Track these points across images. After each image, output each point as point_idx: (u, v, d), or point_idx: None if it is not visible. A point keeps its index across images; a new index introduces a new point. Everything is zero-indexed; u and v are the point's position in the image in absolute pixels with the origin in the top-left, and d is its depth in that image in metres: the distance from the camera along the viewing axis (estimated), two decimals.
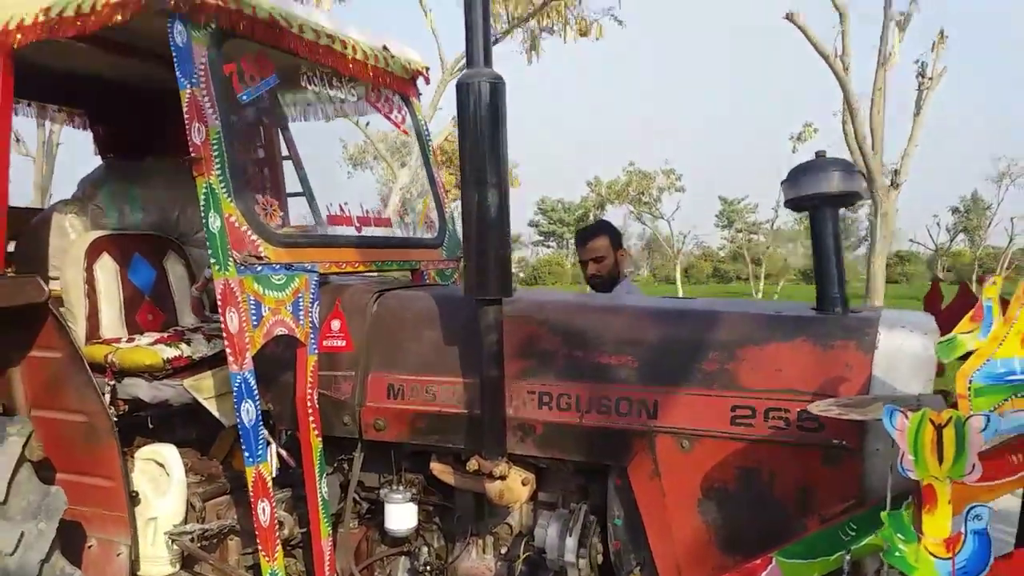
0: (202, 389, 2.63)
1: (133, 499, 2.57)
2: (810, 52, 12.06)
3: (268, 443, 2.41)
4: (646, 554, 2.15)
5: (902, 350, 1.87)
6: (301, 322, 2.41)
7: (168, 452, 2.67)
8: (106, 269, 2.92)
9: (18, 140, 15.05)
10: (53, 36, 2.34)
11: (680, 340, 2.16)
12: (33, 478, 2.35)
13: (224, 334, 2.21)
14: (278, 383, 2.51)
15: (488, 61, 2.08)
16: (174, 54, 2.23)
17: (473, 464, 2.22)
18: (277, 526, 2.38)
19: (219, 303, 2.20)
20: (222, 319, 2.20)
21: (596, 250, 3.73)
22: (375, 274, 3.17)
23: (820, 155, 2.12)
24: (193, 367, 2.75)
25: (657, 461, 2.09)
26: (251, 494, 2.28)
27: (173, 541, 2.57)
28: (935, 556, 1.46)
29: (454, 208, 3.72)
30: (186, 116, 2.23)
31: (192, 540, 2.56)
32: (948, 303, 2.21)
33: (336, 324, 2.52)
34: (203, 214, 2.23)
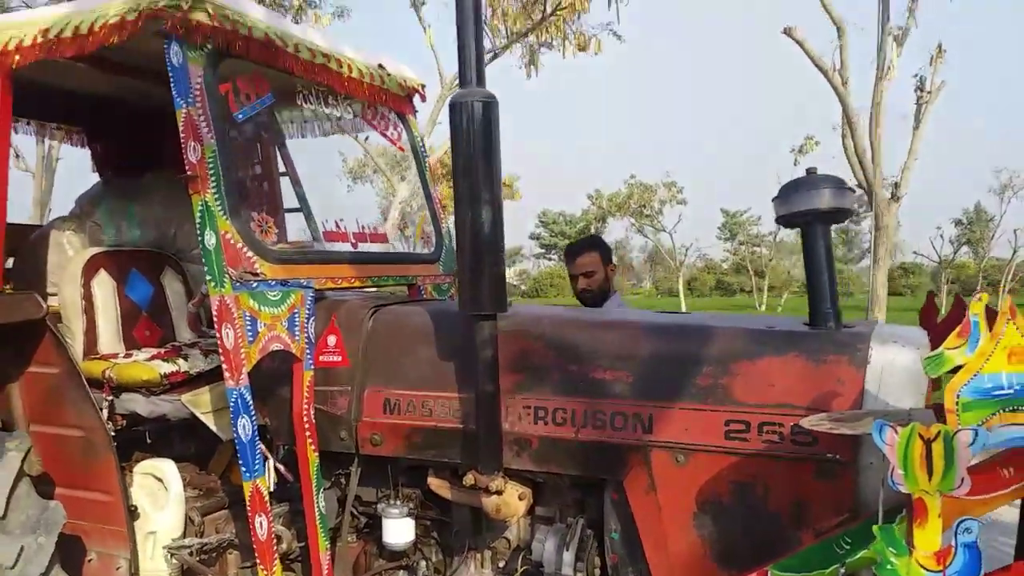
0: (199, 404, 2.64)
1: (132, 513, 2.58)
2: (811, 65, 12.13)
3: (265, 458, 2.43)
4: (643, 567, 2.16)
5: (894, 365, 1.88)
6: (297, 338, 2.43)
7: (166, 467, 2.68)
8: (103, 285, 2.94)
9: (18, 156, 15.15)
10: (51, 56, 2.37)
11: (674, 355, 2.17)
12: (32, 493, 2.36)
13: (220, 350, 2.23)
14: (275, 398, 2.52)
15: (481, 81, 2.10)
16: (170, 74, 2.25)
17: (469, 479, 2.23)
18: (275, 540, 2.39)
19: (215, 319, 2.22)
20: (218, 335, 2.22)
21: (586, 265, 3.74)
22: (372, 289, 3.18)
23: (811, 172, 2.13)
24: (190, 382, 2.77)
25: (653, 475, 2.10)
26: (248, 509, 2.28)
27: (172, 555, 2.58)
28: (926, 569, 1.46)
29: (452, 223, 3.74)
30: (182, 135, 2.25)
31: (191, 554, 2.57)
32: (943, 316, 2.21)
33: (332, 339, 2.54)
34: (199, 232, 2.25)
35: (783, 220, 2.15)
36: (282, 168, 3.60)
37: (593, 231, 49.26)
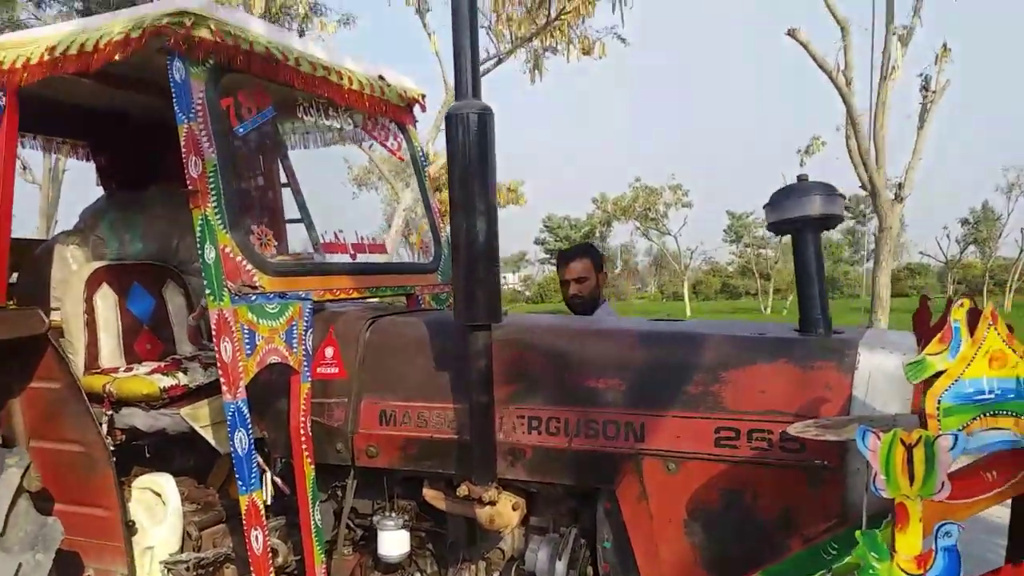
0: (198, 418, 2.67)
1: (130, 528, 2.60)
2: (815, 65, 12.13)
3: (263, 471, 2.45)
4: None
5: (881, 370, 1.90)
6: (295, 350, 2.46)
7: (164, 481, 2.70)
8: (105, 299, 2.98)
9: (25, 168, 15.29)
10: (57, 73, 2.42)
11: (665, 363, 2.19)
12: (31, 509, 2.38)
13: (218, 364, 2.26)
14: (272, 411, 2.55)
15: (477, 93, 2.13)
16: (173, 90, 2.29)
17: (463, 490, 2.24)
18: (271, 554, 2.41)
19: (214, 333, 2.25)
20: (216, 349, 2.25)
21: (578, 271, 3.74)
22: (376, 299, 3.22)
23: (802, 179, 2.15)
24: (190, 395, 2.79)
25: (644, 484, 2.12)
26: (244, 522, 2.31)
27: (169, 570, 2.59)
28: (907, 573, 1.48)
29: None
30: (184, 150, 2.29)
31: (188, 569, 2.58)
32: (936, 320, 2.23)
33: (329, 351, 2.57)
34: (199, 246, 2.28)
35: (774, 227, 2.18)
36: (284, 179, 3.64)
37: (598, 235, 49.27)
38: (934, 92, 12.64)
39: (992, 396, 1.51)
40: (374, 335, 2.58)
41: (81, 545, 2.58)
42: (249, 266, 2.38)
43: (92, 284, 2.95)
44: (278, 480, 2.51)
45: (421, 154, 3.49)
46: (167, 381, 2.73)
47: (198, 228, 2.29)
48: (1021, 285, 44.21)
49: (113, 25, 2.33)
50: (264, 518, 2.36)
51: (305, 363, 2.49)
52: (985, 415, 1.51)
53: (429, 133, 13.12)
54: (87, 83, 2.78)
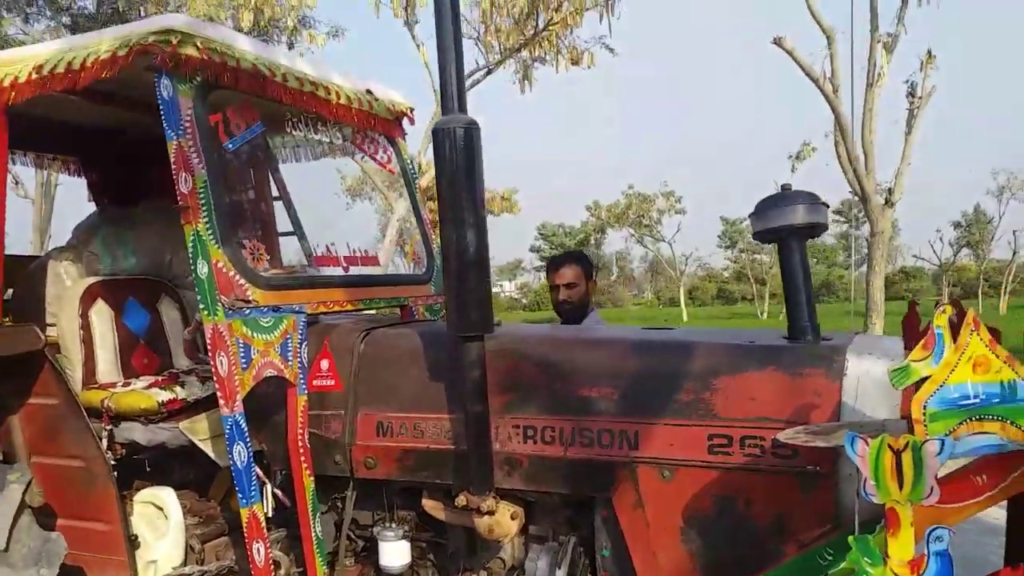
0: (197, 431, 2.68)
1: (132, 543, 2.61)
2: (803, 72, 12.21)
3: (263, 483, 2.47)
4: None
5: (869, 376, 1.93)
6: (290, 363, 2.47)
7: (166, 495, 2.71)
8: (101, 314, 2.99)
9: (17, 183, 15.26)
10: (46, 91, 2.43)
11: (658, 371, 2.21)
12: (33, 525, 2.39)
13: (214, 378, 2.27)
14: (270, 423, 2.56)
15: (463, 107, 2.16)
16: (161, 107, 2.31)
17: (461, 500, 2.26)
18: (273, 566, 2.42)
19: (209, 347, 2.27)
20: (212, 363, 2.26)
21: (568, 276, 3.76)
22: (372, 311, 3.23)
23: (785, 188, 2.19)
24: (188, 409, 2.80)
25: (640, 491, 2.13)
26: (245, 535, 2.32)
27: None
28: None
29: None
30: (173, 167, 2.31)
31: None
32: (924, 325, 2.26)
33: (325, 364, 2.58)
34: (192, 261, 2.30)
35: (759, 236, 2.21)
36: (275, 192, 3.66)
37: (593, 242, 49.40)
38: (920, 98, 12.73)
39: (977, 401, 1.53)
40: (368, 347, 2.60)
41: (85, 560, 2.59)
42: (242, 280, 2.40)
43: (87, 300, 2.96)
44: (278, 492, 2.53)
45: (411, 166, 3.51)
46: (165, 395, 2.74)
47: (190, 244, 2.31)
48: (1016, 287, 44.44)
49: (100, 43, 2.34)
50: (265, 530, 2.38)
51: (301, 376, 2.50)
52: (971, 420, 1.53)
53: (421, 144, 13.17)
54: (76, 100, 2.79)
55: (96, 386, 2.88)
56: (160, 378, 2.95)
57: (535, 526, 2.43)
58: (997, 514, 1.88)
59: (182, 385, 2.85)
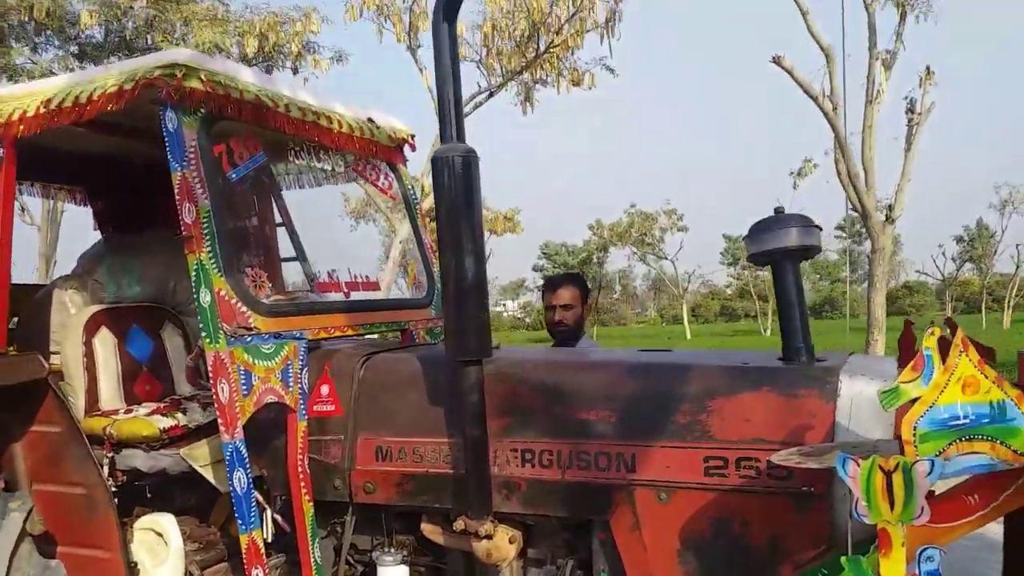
0: (198, 457, 2.69)
1: (132, 570, 2.61)
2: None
3: (262, 509, 2.48)
4: None
5: (862, 397, 1.95)
6: (291, 389, 2.50)
7: (166, 521, 2.72)
8: (104, 342, 3.02)
9: (23, 210, 15.39)
10: (53, 124, 2.48)
11: (653, 393, 2.23)
12: (34, 553, 2.41)
13: (216, 405, 2.30)
14: (270, 449, 2.58)
15: (461, 136, 2.21)
16: (165, 139, 2.36)
17: (460, 524, 2.27)
18: None
19: (211, 375, 2.30)
20: (213, 390, 2.29)
21: (565, 298, 3.76)
22: (374, 335, 3.26)
23: (779, 211, 2.22)
24: (189, 435, 2.83)
25: (637, 514, 2.15)
26: (244, 561, 2.33)
27: None
28: None
29: None
30: (177, 197, 2.35)
31: None
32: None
33: (325, 389, 2.61)
34: (194, 290, 2.33)
35: (754, 258, 2.24)
36: (278, 218, 3.70)
37: (596, 261, 49.45)
38: (919, 114, 12.81)
39: (967, 421, 1.55)
40: (368, 372, 2.62)
41: None
42: (244, 308, 2.43)
43: (91, 328, 2.99)
44: (278, 518, 2.54)
45: (412, 191, 3.55)
46: (166, 422, 2.77)
47: (193, 273, 2.34)
48: (1019, 301, 44.31)
49: (107, 78, 2.40)
50: (264, 556, 2.39)
51: (301, 401, 2.53)
52: (961, 440, 1.55)
53: (424, 165, 13.25)
54: (81, 131, 2.84)
55: (99, 413, 2.90)
56: (162, 405, 2.98)
57: (533, 549, 2.43)
58: (997, 530, 1.90)
59: (184, 411, 2.87)
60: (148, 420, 2.76)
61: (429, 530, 2.48)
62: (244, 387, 2.35)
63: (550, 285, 3.90)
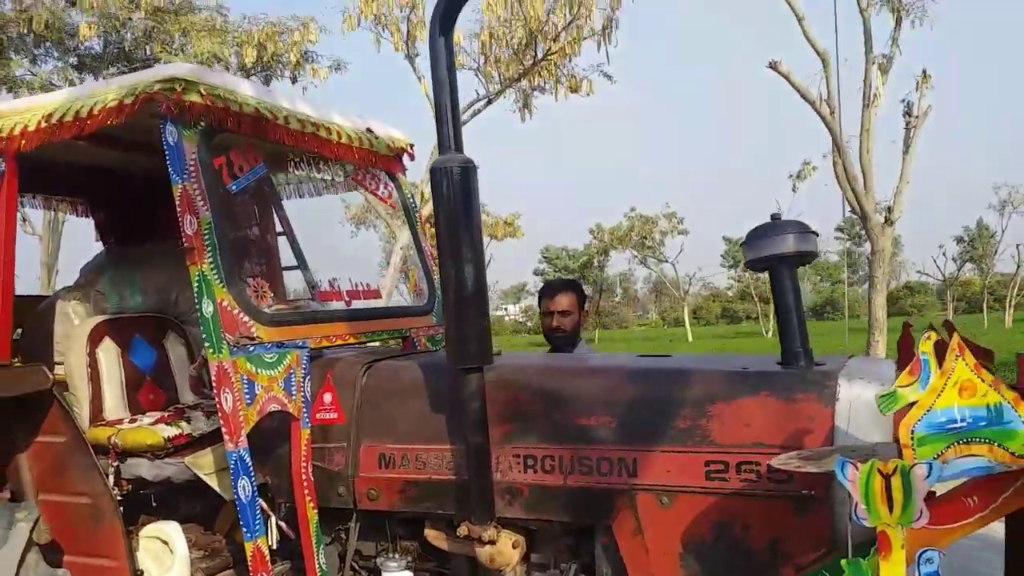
0: (202, 466, 2.71)
1: None
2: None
3: (267, 516, 2.50)
4: None
5: (861, 400, 1.96)
6: (294, 397, 2.51)
7: (171, 529, 2.74)
8: (108, 352, 3.04)
9: (24, 220, 15.41)
10: (54, 139, 2.50)
11: (654, 399, 2.25)
12: (41, 562, 2.43)
13: (219, 414, 2.32)
14: (274, 457, 2.60)
15: (459, 147, 2.23)
16: (166, 152, 2.38)
17: (463, 530, 2.29)
18: None
19: (214, 384, 2.31)
20: (217, 400, 2.31)
21: (563, 304, 3.78)
22: (376, 343, 3.28)
23: (776, 218, 2.25)
24: (194, 444, 2.84)
25: (639, 518, 2.17)
26: (250, 569, 2.35)
27: None
28: None
29: None
30: (179, 209, 2.37)
31: None
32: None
33: (328, 397, 2.62)
34: (197, 301, 2.35)
35: (751, 265, 2.27)
36: (279, 228, 3.72)
37: (596, 265, 49.49)
38: (917, 117, 12.83)
39: (964, 424, 1.57)
40: (371, 379, 2.64)
41: None
42: (246, 318, 2.45)
43: (94, 338, 3.01)
44: (282, 525, 2.55)
45: (411, 199, 3.58)
46: (171, 431, 2.79)
47: (195, 284, 2.36)
48: (1020, 300, 44.29)
49: (107, 92, 2.42)
50: (269, 564, 2.40)
51: (304, 410, 2.54)
52: (959, 443, 1.56)
53: (424, 173, 13.28)
54: (82, 144, 2.86)
55: (103, 423, 2.92)
56: (166, 414, 2.99)
57: (536, 554, 2.45)
58: (999, 529, 1.91)
59: (188, 420, 2.89)
60: (152, 429, 2.78)
61: (433, 536, 2.50)
62: (247, 396, 2.36)
63: (548, 291, 3.91)
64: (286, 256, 3.70)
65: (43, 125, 2.50)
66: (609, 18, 12.38)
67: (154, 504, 2.95)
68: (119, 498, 2.68)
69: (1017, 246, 42.12)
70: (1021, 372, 1.71)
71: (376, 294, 3.21)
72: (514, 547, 2.33)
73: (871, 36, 12.45)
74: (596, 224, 45.91)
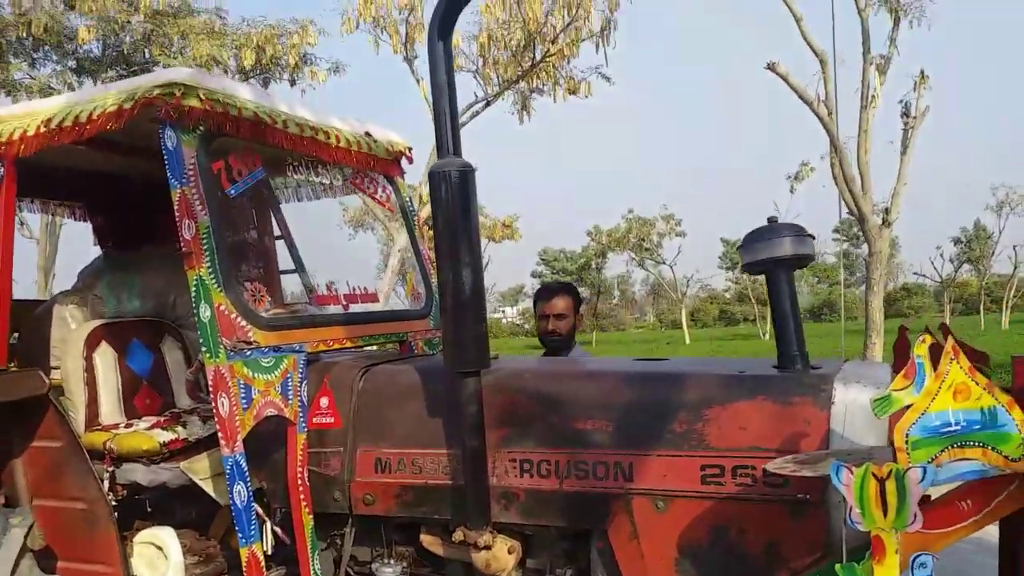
0: (198, 470, 2.71)
1: None
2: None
3: (262, 521, 2.49)
4: None
5: (856, 404, 1.97)
6: (290, 402, 2.51)
7: (165, 535, 2.73)
8: (105, 356, 3.03)
9: (22, 224, 15.41)
10: (53, 143, 2.51)
11: (650, 403, 2.25)
12: (35, 568, 2.42)
13: (216, 418, 2.32)
14: (270, 461, 2.59)
15: (457, 151, 2.23)
16: (165, 157, 2.38)
17: (459, 535, 2.29)
18: None
19: (211, 389, 2.31)
20: (213, 404, 2.31)
21: (559, 307, 3.76)
22: (373, 347, 3.28)
23: (772, 221, 2.25)
24: (189, 449, 2.84)
25: (635, 523, 2.16)
26: (245, 574, 2.34)
27: None
28: None
29: None
30: (177, 214, 2.37)
31: None
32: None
33: (324, 401, 2.62)
34: (194, 305, 2.35)
35: (748, 268, 2.27)
36: (277, 231, 3.72)
37: (594, 267, 49.50)
38: (914, 118, 12.86)
39: (958, 428, 1.57)
40: (367, 383, 2.64)
41: None
42: (243, 322, 2.45)
43: (91, 342, 3.01)
44: (278, 530, 2.55)
45: (409, 203, 3.58)
46: (167, 436, 2.78)
47: (193, 288, 2.36)
48: (1018, 302, 44.35)
49: (106, 97, 2.42)
50: (264, 569, 2.40)
51: (301, 414, 2.54)
52: (953, 447, 1.56)
53: (423, 175, 13.28)
54: (81, 149, 2.86)
55: (99, 428, 2.91)
56: (162, 418, 2.99)
57: (532, 559, 2.44)
58: (993, 532, 1.91)
59: (184, 425, 2.89)
60: (148, 434, 2.77)
61: (429, 541, 2.49)
62: (244, 401, 2.36)
63: (544, 294, 3.90)
64: (283, 259, 3.71)
65: (42, 130, 2.51)
66: (607, 19, 12.40)
67: (149, 509, 2.94)
68: (114, 503, 2.67)
69: (1014, 247, 42.19)
70: (1016, 375, 1.72)
71: (373, 298, 3.21)
72: (510, 552, 2.33)
73: (869, 36, 12.48)
74: (594, 226, 45.94)
